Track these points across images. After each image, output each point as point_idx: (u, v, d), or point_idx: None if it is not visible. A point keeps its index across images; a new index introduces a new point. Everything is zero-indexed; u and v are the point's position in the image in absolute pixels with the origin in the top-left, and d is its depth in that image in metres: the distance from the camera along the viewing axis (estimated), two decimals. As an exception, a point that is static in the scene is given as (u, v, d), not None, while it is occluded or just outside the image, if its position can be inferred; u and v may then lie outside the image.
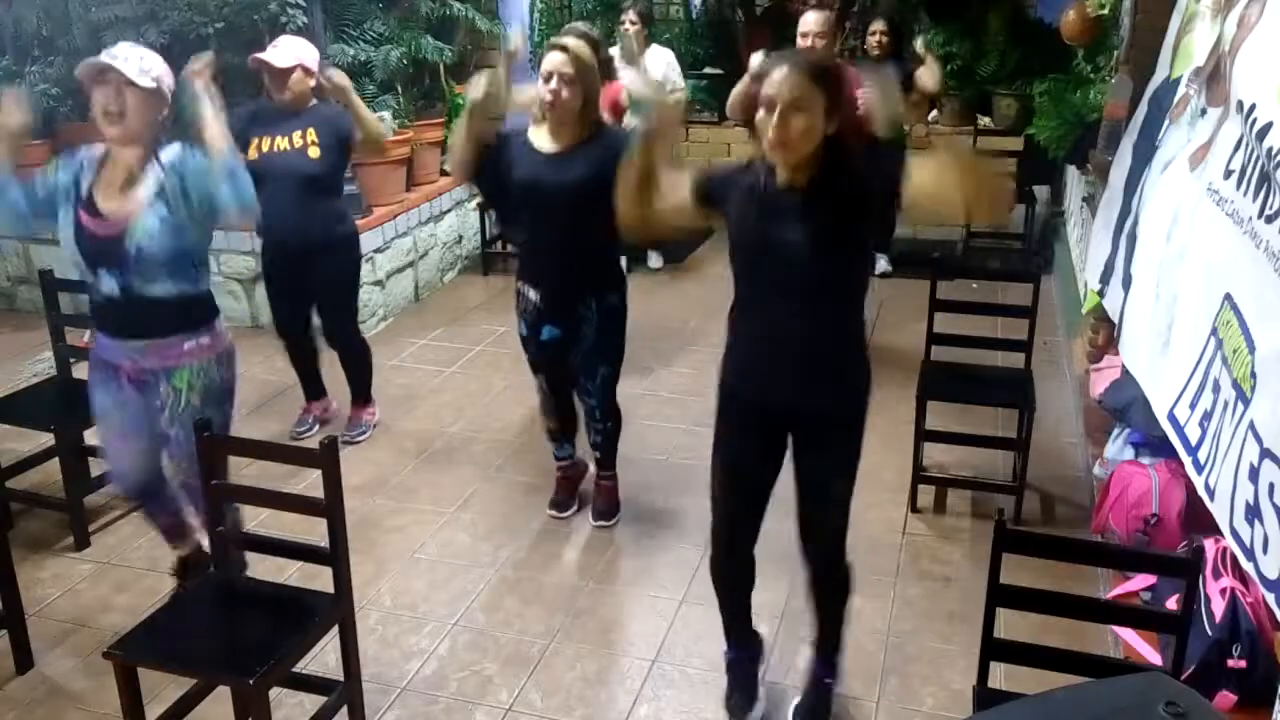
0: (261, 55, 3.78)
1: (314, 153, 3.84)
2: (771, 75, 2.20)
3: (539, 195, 3.24)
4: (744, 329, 2.47)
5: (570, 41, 3.21)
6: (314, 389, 4.40)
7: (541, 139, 3.25)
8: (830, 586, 2.64)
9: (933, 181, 2.21)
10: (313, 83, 3.88)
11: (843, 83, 2.27)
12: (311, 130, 3.84)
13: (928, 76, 5.28)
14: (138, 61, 2.61)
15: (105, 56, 2.61)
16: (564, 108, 3.14)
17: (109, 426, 2.92)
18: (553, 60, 3.11)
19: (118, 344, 2.79)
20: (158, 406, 2.82)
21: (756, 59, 4.59)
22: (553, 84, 3.11)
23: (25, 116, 2.73)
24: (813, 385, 2.40)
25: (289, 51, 3.80)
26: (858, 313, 2.46)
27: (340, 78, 3.90)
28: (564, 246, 3.30)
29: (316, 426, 4.38)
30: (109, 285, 2.70)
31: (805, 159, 2.23)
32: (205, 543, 3.08)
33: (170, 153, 2.71)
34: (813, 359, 2.38)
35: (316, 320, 4.29)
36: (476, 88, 3.17)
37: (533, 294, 3.40)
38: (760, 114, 2.21)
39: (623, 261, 3.96)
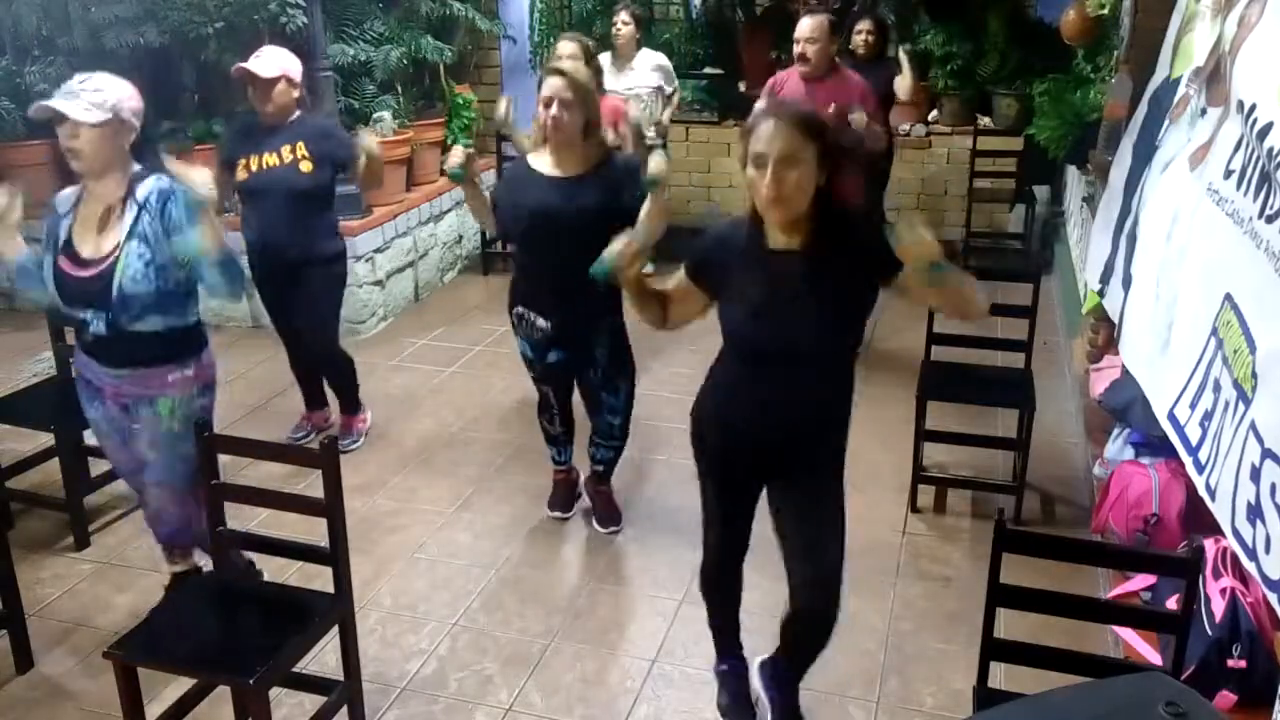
0: (245, 65, 3.71)
1: (305, 166, 3.78)
2: (758, 131, 2.15)
3: (548, 221, 3.18)
4: (728, 380, 2.42)
5: (568, 65, 3.20)
6: (315, 398, 4.37)
7: (544, 164, 3.21)
8: (814, 633, 2.49)
9: (933, 295, 2.26)
10: (297, 94, 3.81)
11: (829, 130, 2.24)
12: (301, 144, 3.77)
13: (901, 86, 5.34)
14: (87, 97, 2.57)
15: (57, 96, 2.58)
16: (565, 131, 3.11)
17: (104, 438, 2.91)
18: (551, 85, 3.09)
19: (102, 370, 2.77)
20: (138, 429, 2.80)
21: None
22: (553, 110, 3.09)
23: (14, 203, 2.69)
24: (798, 439, 2.38)
25: (273, 62, 3.73)
26: (850, 367, 2.42)
27: (371, 143, 3.87)
28: (573, 273, 3.22)
29: (313, 435, 4.35)
30: (96, 325, 2.67)
31: (801, 216, 2.19)
32: (204, 564, 3.08)
33: (147, 188, 2.65)
34: (803, 417, 2.36)
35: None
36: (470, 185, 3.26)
37: (542, 322, 3.35)
38: (751, 172, 2.16)
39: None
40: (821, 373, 2.33)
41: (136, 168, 2.69)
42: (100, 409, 2.85)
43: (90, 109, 2.56)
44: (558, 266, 3.25)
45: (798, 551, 2.42)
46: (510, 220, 3.29)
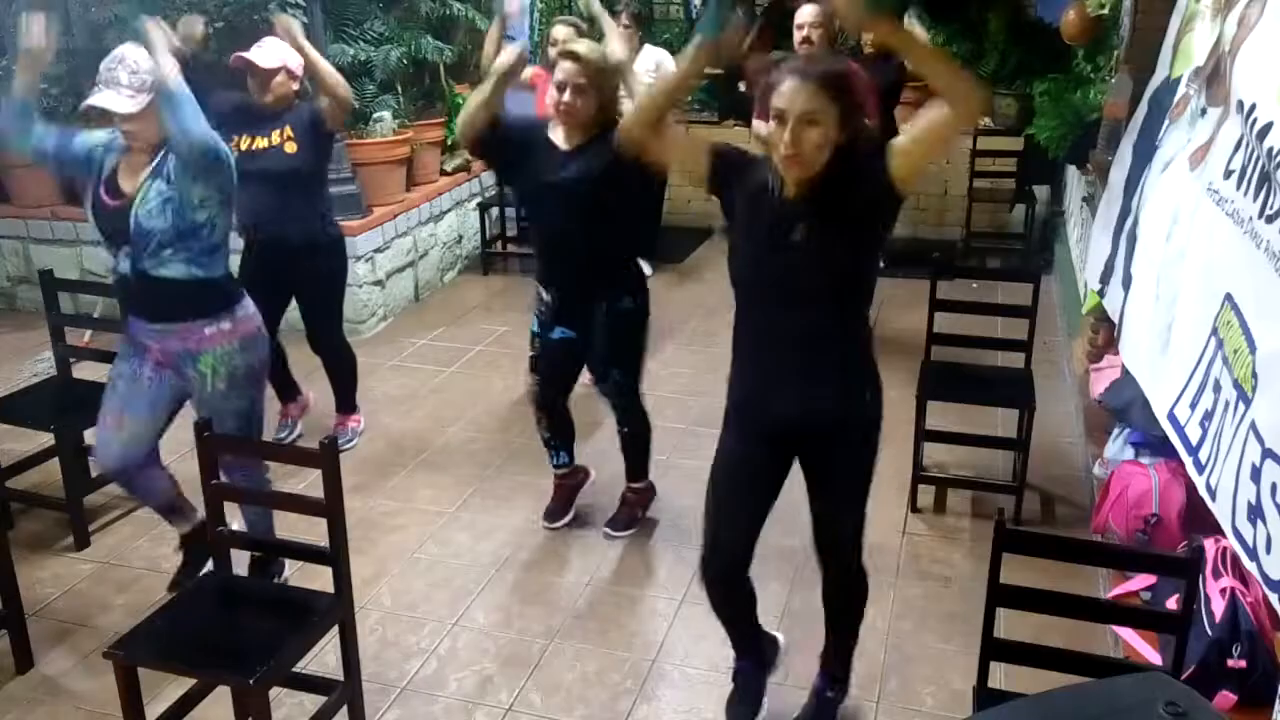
0: (246, 55, 3.73)
1: (290, 147, 3.80)
2: (781, 87, 2.13)
3: (544, 191, 3.22)
4: (746, 341, 2.42)
5: (582, 47, 3.15)
6: (286, 390, 4.33)
7: (558, 135, 3.22)
8: (843, 591, 2.61)
9: (914, 129, 2.18)
10: (296, 86, 3.84)
11: (855, 88, 2.22)
12: (287, 127, 3.81)
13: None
14: (128, 84, 2.64)
15: (99, 89, 2.65)
16: (578, 116, 3.11)
17: (112, 394, 2.97)
18: (565, 70, 3.07)
19: (143, 324, 2.89)
20: (188, 390, 2.91)
21: None
22: (566, 95, 3.07)
23: (50, 41, 2.75)
24: (819, 394, 2.36)
25: (273, 53, 3.76)
26: (863, 318, 2.39)
27: (288, 21, 3.80)
28: (572, 246, 3.26)
29: (298, 428, 4.34)
30: (124, 264, 2.80)
31: (816, 173, 2.18)
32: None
33: None
34: (818, 367, 2.34)
35: (285, 325, 4.17)
36: (509, 55, 3.14)
37: (546, 294, 3.38)
38: (771, 126, 2.15)
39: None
40: (824, 317, 2.30)
41: None
42: (132, 364, 2.93)
43: (133, 96, 2.66)
44: (556, 238, 3.30)
45: (815, 523, 2.53)
46: (518, 185, 3.31)
